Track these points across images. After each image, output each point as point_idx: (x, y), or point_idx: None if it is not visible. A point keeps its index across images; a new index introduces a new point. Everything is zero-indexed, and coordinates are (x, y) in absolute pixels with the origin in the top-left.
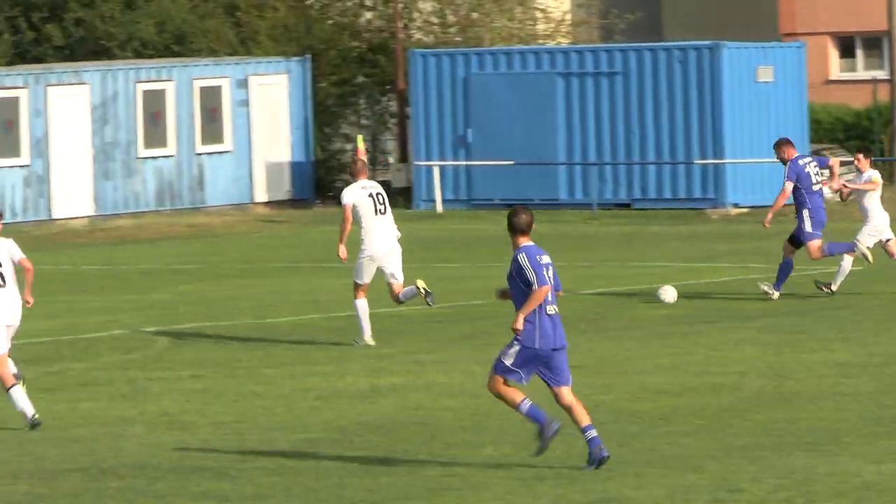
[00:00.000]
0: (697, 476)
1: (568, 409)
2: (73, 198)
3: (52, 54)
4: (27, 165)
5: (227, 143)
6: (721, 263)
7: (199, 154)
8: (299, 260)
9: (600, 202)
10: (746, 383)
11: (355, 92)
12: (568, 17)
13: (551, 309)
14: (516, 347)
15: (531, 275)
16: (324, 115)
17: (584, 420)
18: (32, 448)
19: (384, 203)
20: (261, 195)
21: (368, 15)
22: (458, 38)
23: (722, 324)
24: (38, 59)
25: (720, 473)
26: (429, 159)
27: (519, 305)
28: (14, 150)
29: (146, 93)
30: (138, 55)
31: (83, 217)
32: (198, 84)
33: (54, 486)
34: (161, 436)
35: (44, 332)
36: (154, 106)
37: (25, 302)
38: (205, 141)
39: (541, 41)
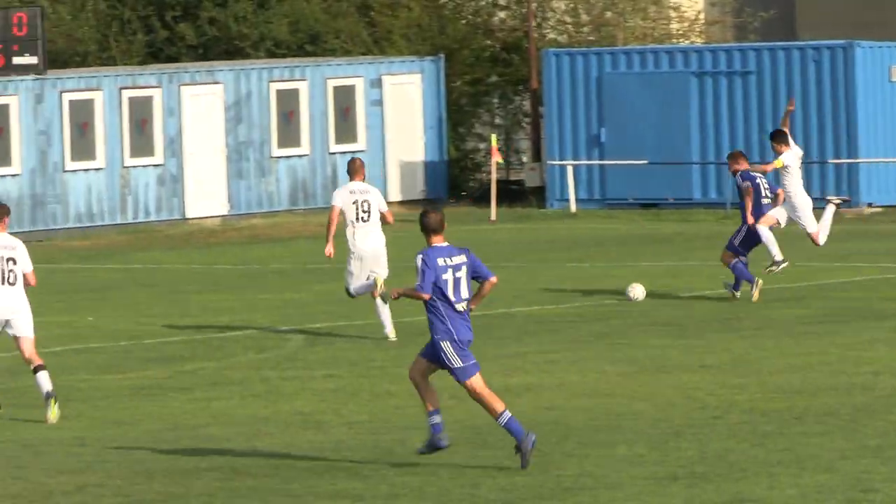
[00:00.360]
0: (830, 476)
1: (479, 398)
2: (207, 197)
3: (185, 54)
4: (161, 165)
5: (361, 143)
6: (855, 263)
7: (333, 153)
8: None
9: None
10: (880, 383)
11: (488, 91)
12: (702, 16)
13: (460, 307)
14: (448, 346)
15: (420, 277)
16: (457, 114)
17: (499, 405)
18: (166, 447)
19: (367, 211)
20: (394, 194)
21: (502, 14)
22: (591, 38)
23: (855, 323)
24: (172, 59)
25: (853, 474)
26: (562, 159)
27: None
28: (148, 150)
29: (280, 92)
30: (271, 55)
31: (216, 216)
32: (331, 83)
33: (188, 485)
34: (295, 435)
35: (177, 332)
36: (287, 105)
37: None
38: (338, 140)
39: (674, 40)
